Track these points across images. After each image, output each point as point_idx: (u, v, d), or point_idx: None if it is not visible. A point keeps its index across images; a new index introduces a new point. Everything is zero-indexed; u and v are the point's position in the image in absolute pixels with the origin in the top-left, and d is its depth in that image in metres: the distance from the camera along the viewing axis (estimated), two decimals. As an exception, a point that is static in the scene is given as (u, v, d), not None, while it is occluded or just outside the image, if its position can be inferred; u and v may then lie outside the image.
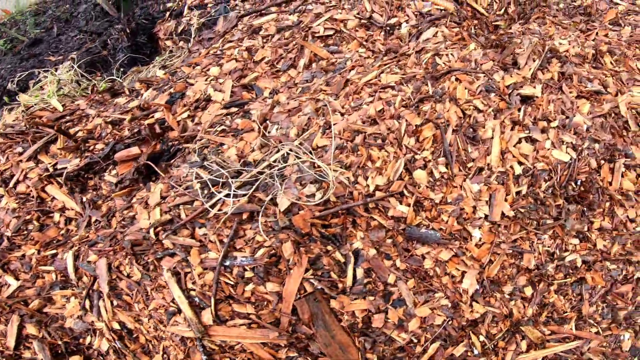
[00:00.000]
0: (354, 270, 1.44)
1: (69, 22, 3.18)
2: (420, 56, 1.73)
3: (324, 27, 2.11)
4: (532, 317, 1.63)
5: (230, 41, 2.24)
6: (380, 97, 1.59)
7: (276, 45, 2.08)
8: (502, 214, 1.52)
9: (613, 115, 1.70)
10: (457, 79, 1.59)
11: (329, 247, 1.47)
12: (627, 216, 1.70)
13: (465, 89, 1.56)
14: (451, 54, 1.71)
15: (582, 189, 1.62)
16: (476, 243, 1.53)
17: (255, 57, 2.05)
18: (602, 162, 1.64)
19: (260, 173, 1.56)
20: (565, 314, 1.69)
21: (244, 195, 1.50)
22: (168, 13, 2.77)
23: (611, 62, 1.90)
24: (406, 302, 1.46)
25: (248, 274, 1.38)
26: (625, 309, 1.75)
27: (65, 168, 1.94)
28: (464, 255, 1.54)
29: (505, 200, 1.53)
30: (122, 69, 2.63)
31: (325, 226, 1.49)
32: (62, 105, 2.35)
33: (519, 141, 1.55)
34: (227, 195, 1.50)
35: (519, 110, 1.59)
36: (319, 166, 1.52)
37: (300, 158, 1.55)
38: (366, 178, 1.51)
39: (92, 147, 1.98)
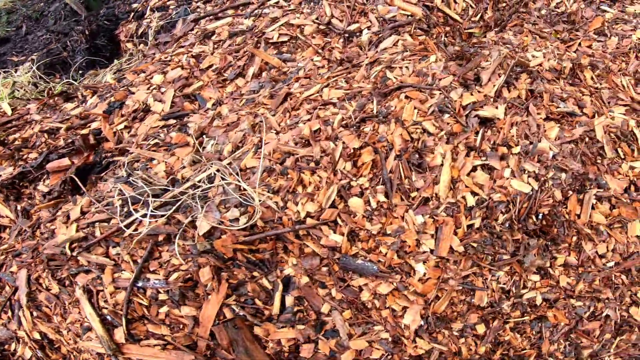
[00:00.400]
0: (283, 297, 1.35)
1: (39, 21, 3.06)
2: (372, 68, 1.54)
3: (279, 32, 1.93)
4: (484, 354, 1.46)
5: (182, 46, 2.08)
6: (319, 115, 1.41)
7: (226, 52, 1.91)
8: (451, 248, 1.34)
9: (587, 140, 1.49)
10: (407, 97, 1.40)
11: (256, 273, 1.34)
12: (597, 252, 1.49)
13: (415, 108, 1.37)
14: (406, 67, 1.52)
15: (544, 222, 1.42)
16: (420, 278, 1.36)
17: (202, 64, 1.89)
18: (570, 192, 1.44)
19: (183, 193, 1.42)
20: (524, 351, 1.51)
21: (162, 215, 1.37)
22: (132, 14, 2.64)
23: (592, 78, 1.68)
24: (340, 333, 1.34)
25: (162, 296, 1.30)
26: (590, 347, 1.56)
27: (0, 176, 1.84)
28: (406, 290, 1.38)
29: (455, 233, 1.35)
30: (80, 72, 2.51)
31: (253, 251, 1.35)
32: (13, 109, 2.23)
33: (474, 169, 1.36)
34: (145, 215, 1.38)
35: (476, 134, 1.39)
36: (245, 189, 1.36)
37: (225, 179, 1.39)
38: (296, 203, 1.34)
39: (25, 156, 1.86)
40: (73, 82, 2.42)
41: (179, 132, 1.66)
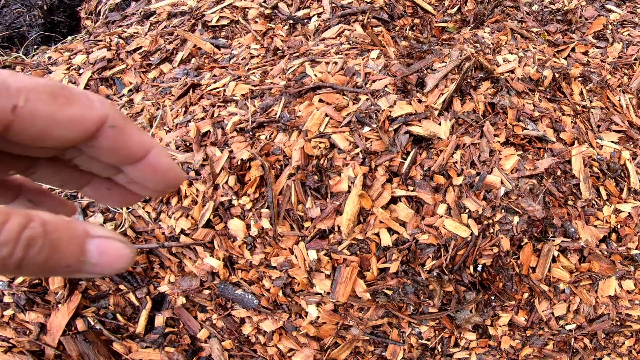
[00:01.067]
0: (152, 316, 1.16)
1: (18, -7, 2.94)
2: (292, 62, 1.25)
3: (220, 15, 1.67)
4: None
5: (120, 26, 1.86)
6: (213, 113, 1.14)
7: (159, 34, 1.67)
8: (354, 293, 1.05)
9: (559, 174, 1.15)
10: (321, 100, 1.11)
11: (122, 287, 1.15)
12: (552, 313, 1.16)
13: (327, 115, 1.08)
14: (335, 62, 1.22)
15: (484, 275, 1.10)
16: (311, 321, 1.09)
17: (129, 46, 1.66)
18: (525, 240, 1.10)
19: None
20: None
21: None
22: (97, -11, 2.45)
23: (582, 93, 1.31)
24: (215, 366, 1.13)
25: (7, 299, 1.13)
26: None
27: None
28: (295, 331, 1.12)
29: (363, 277, 1.06)
30: (34, 47, 2.37)
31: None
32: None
33: (394, 201, 1.06)
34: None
35: (405, 155, 1.08)
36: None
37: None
38: (170, 217, 1.10)
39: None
40: (24, 57, 2.28)
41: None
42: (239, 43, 1.61)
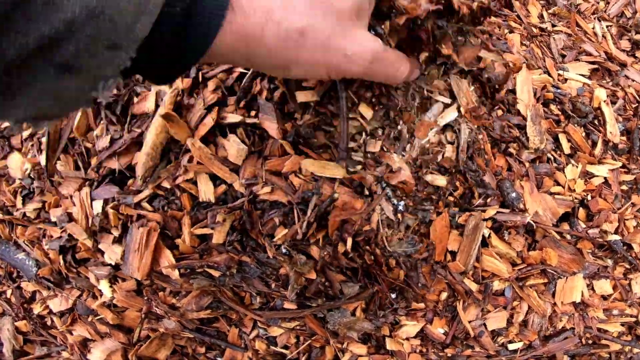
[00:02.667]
0: None
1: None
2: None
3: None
4: None
5: None
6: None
7: None
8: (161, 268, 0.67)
9: (497, 107, 0.74)
10: None
11: None
12: (485, 325, 0.73)
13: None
14: None
15: (366, 259, 0.70)
16: (106, 303, 0.71)
17: None
18: (440, 209, 0.70)
19: None
20: None
21: None
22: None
23: (542, 16, 0.92)
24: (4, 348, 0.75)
25: None
26: None
27: None
28: (92, 315, 0.74)
29: (174, 246, 0.68)
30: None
31: None
32: None
33: (223, 131, 0.68)
34: None
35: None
36: None
37: None
38: None
39: None
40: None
41: None
42: None
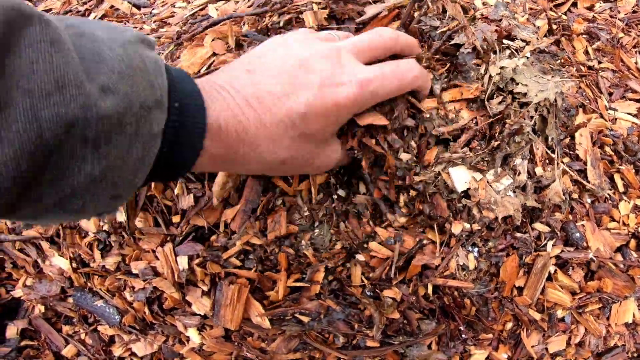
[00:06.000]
0: (2, 326, 0.75)
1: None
2: (194, 2, 0.87)
3: (139, -38, 1.29)
4: None
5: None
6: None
7: (71, -11, 1.30)
8: (247, 319, 0.66)
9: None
10: (215, 39, 0.72)
11: None
12: (547, 348, 0.77)
13: (214, 55, 0.69)
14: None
15: (446, 300, 0.72)
16: (194, 348, 0.70)
17: (38, 7, 1.28)
18: (505, 254, 0.72)
19: None
20: None
21: None
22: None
23: (587, 52, 0.93)
24: None
25: None
26: None
27: None
28: (178, 358, 0.73)
29: (264, 297, 0.67)
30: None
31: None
32: None
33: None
34: None
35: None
36: None
37: None
38: None
39: None
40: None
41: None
42: (163, 1, 1.23)
